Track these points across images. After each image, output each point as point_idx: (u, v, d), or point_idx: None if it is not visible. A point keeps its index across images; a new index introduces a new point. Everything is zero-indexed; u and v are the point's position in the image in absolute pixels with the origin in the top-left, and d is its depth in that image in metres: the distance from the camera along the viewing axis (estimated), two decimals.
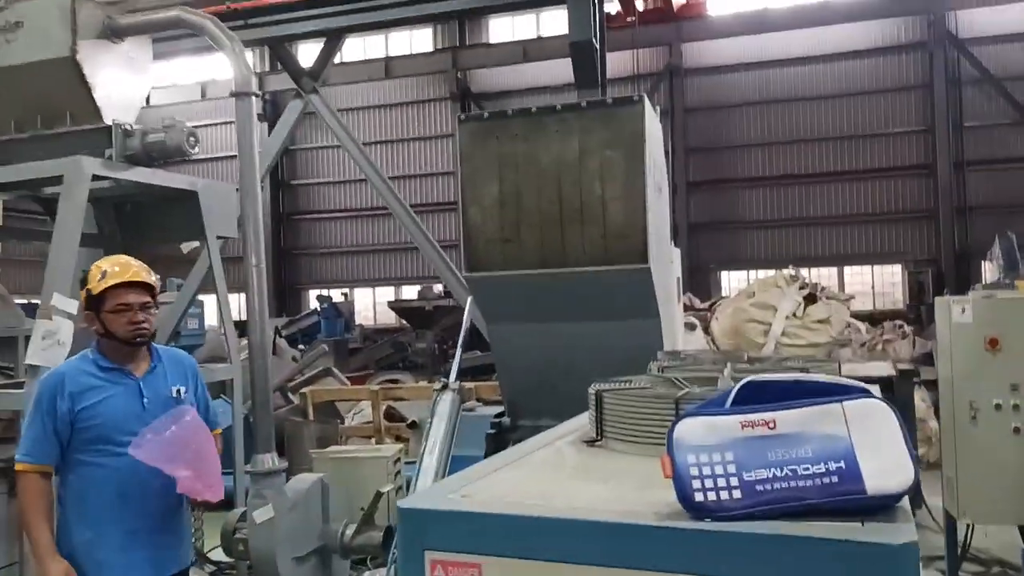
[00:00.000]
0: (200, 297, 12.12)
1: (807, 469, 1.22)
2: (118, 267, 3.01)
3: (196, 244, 6.17)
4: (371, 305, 25.33)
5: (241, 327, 5.71)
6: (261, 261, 4.83)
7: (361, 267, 25.51)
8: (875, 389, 1.37)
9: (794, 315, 8.16)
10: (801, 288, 8.39)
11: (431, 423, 4.21)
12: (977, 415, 4.32)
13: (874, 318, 15.77)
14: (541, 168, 4.24)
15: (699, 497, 1.21)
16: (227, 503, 5.53)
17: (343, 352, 15.57)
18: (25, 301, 9.26)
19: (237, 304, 11.90)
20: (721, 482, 1.22)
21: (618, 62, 18.49)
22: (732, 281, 21.42)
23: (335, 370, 10.78)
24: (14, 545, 5.16)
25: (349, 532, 4.87)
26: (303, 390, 9.09)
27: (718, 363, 2.49)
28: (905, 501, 1.24)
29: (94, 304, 2.98)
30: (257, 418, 4.72)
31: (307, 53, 14.92)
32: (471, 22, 22.96)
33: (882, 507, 1.21)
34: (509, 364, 4.77)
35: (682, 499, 1.22)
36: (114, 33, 4.97)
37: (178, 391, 3.12)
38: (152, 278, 3.08)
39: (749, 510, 1.20)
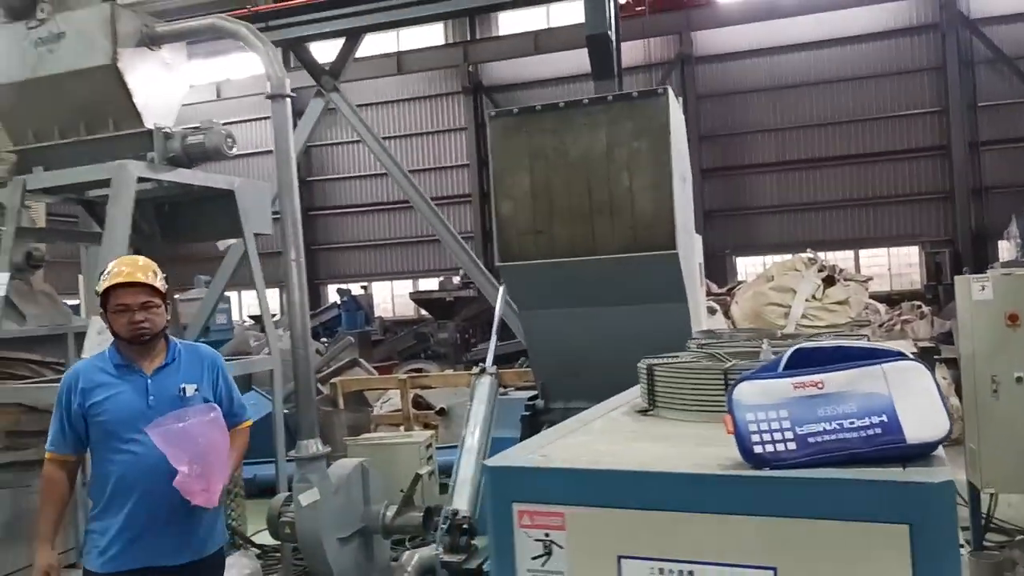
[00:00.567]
0: (226, 293, 12.37)
1: (852, 423, 1.39)
2: (120, 268, 3.05)
3: (232, 241, 6.35)
4: (389, 298, 25.58)
5: (260, 321, 5.90)
6: (300, 255, 5.02)
7: (379, 261, 25.76)
8: (909, 352, 1.53)
9: (813, 297, 8.29)
10: (820, 271, 8.51)
11: (471, 406, 4.39)
12: (998, 388, 4.46)
13: (891, 299, 15.86)
14: (570, 161, 4.40)
15: (758, 449, 1.38)
16: (270, 490, 5.77)
17: (367, 344, 15.81)
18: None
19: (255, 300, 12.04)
20: (777, 436, 1.38)
21: (630, 51, 18.53)
22: (747, 266, 21.50)
23: (362, 361, 11.01)
24: (69, 532, 5.40)
25: (390, 513, 5.07)
26: (333, 380, 9.31)
27: (752, 340, 2.65)
28: (941, 449, 1.40)
29: (102, 303, 3.06)
30: (300, 406, 4.92)
31: (319, 49, 15.10)
32: (481, 15, 23.05)
33: (920, 454, 1.37)
34: (541, 349, 4.94)
35: (743, 451, 1.39)
36: (152, 41, 5.15)
37: (183, 389, 3.09)
38: (156, 279, 3.06)
39: (803, 459, 1.37)
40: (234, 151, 5.22)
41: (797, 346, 1.50)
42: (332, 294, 23.14)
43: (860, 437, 1.38)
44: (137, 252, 6.12)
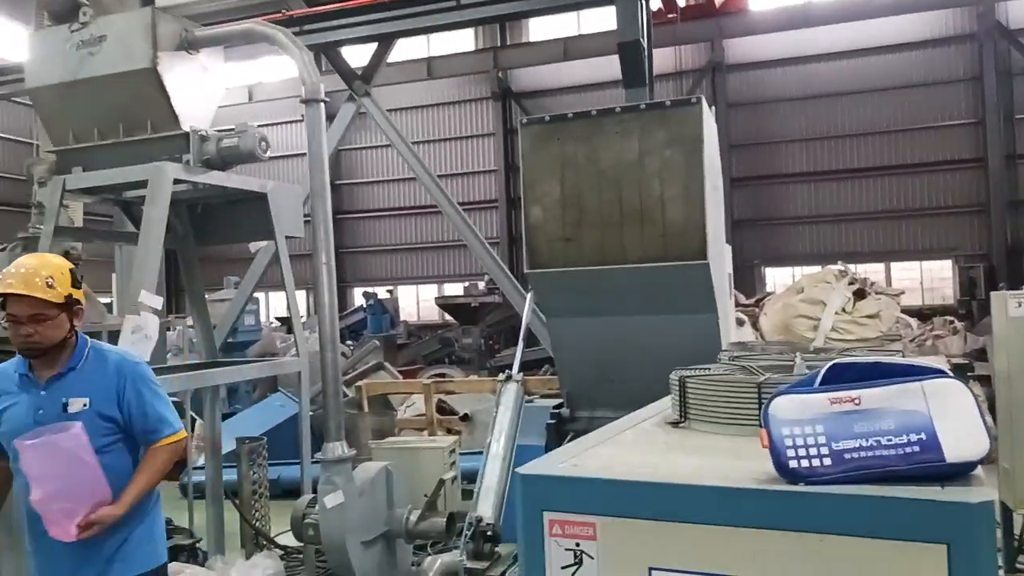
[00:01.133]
0: (255, 295, 12.52)
1: (890, 440, 1.37)
2: (7, 277, 2.75)
3: (264, 244, 6.43)
4: (415, 302, 25.70)
5: (286, 323, 5.95)
6: (331, 259, 5.07)
7: (404, 265, 25.90)
8: (947, 369, 1.51)
9: (843, 310, 8.17)
10: (850, 283, 8.40)
11: (497, 412, 4.40)
12: None
13: (923, 314, 15.62)
14: (601, 169, 4.40)
15: (793, 464, 1.37)
16: (294, 491, 5.82)
17: (391, 348, 15.89)
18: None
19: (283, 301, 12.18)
20: (813, 451, 1.37)
21: (660, 59, 18.47)
22: (777, 277, 21.30)
23: (387, 364, 11.07)
24: None
25: (413, 517, 5.09)
26: (358, 383, 9.37)
27: (785, 353, 2.62)
28: (980, 469, 1.38)
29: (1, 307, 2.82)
30: (327, 408, 4.95)
31: (351, 54, 15.25)
32: (512, 21, 23.12)
33: (959, 473, 1.35)
34: (568, 357, 4.94)
35: (778, 466, 1.38)
36: (190, 45, 5.23)
37: (68, 403, 2.82)
38: (51, 289, 2.74)
39: (838, 475, 1.35)
40: (268, 154, 5.28)
41: (834, 361, 1.49)
42: (358, 297, 23.30)
43: (898, 455, 1.36)
44: (171, 252, 6.30)
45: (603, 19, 17.55)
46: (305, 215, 5.83)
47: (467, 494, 5.68)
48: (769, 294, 13.15)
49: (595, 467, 1.56)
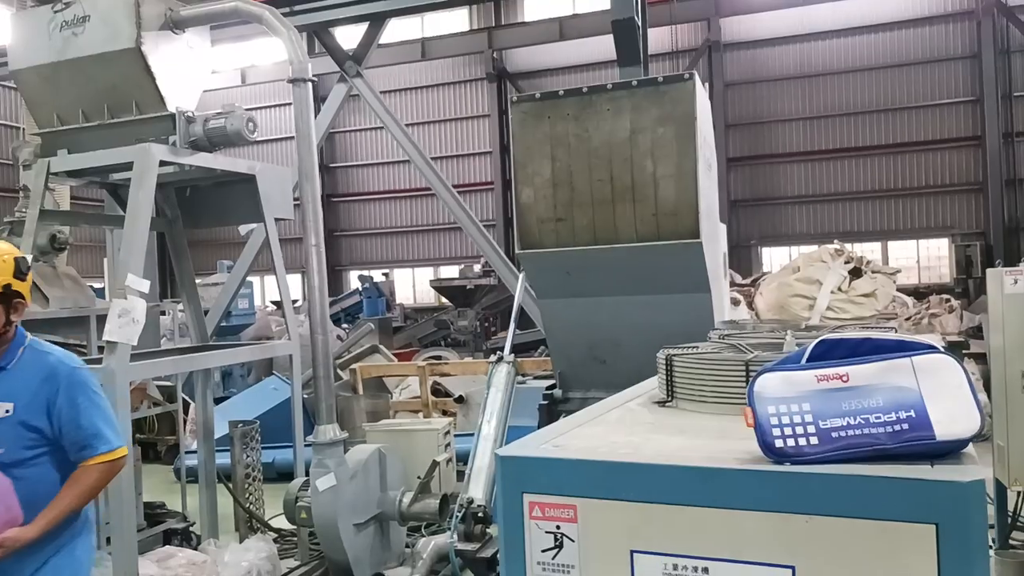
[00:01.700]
0: (249, 279, 12.46)
1: (879, 418, 1.33)
2: None
3: (254, 226, 6.37)
4: (411, 285, 25.66)
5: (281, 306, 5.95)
6: (320, 241, 5.03)
7: (400, 247, 25.83)
8: (939, 345, 1.47)
9: (839, 289, 8.15)
10: (847, 262, 8.36)
11: (488, 394, 4.37)
12: None
13: (919, 292, 15.61)
14: (593, 147, 4.33)
15: (779, 443, 1.33)
16: (288, 474, 5.80)
17: (387, 330, 15.86)
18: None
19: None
20: (799, 430, 1.33)
21: (656, 38, 18.36)
22: (774, 257, 21.26)
23: (382, 347, 11.04)
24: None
25: (406, 500, 5.08)
26: (352, 366, 9.34)
27: (776, 331, 2.58)
28: (971, 446, 1.34)
29: None
30: (319, 391, 4.92)
31: (344, 35, 15.09)
32: (506, 1, 22.92)
33: (950, 451, 1.31)
34: (560, 338, 4.90)
35: (763, 445, 1.34)
36: (175, 24, 5.14)
37: None
38: None
39: (825, 455, 1.31)
40: (255, 135, 5.20)
41: (821, 337, 1.45)
42: (354, 280, 23.25)
43: (886, 432, 1.32)
44: (160, 236, 6.23)
45: None
46: (296, 197, 5.77)
47: (462, 476, 5.66)
48: (765, 274, 13.12)
49: (577, 448, 1.52)
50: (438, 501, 5.05)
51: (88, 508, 2.78)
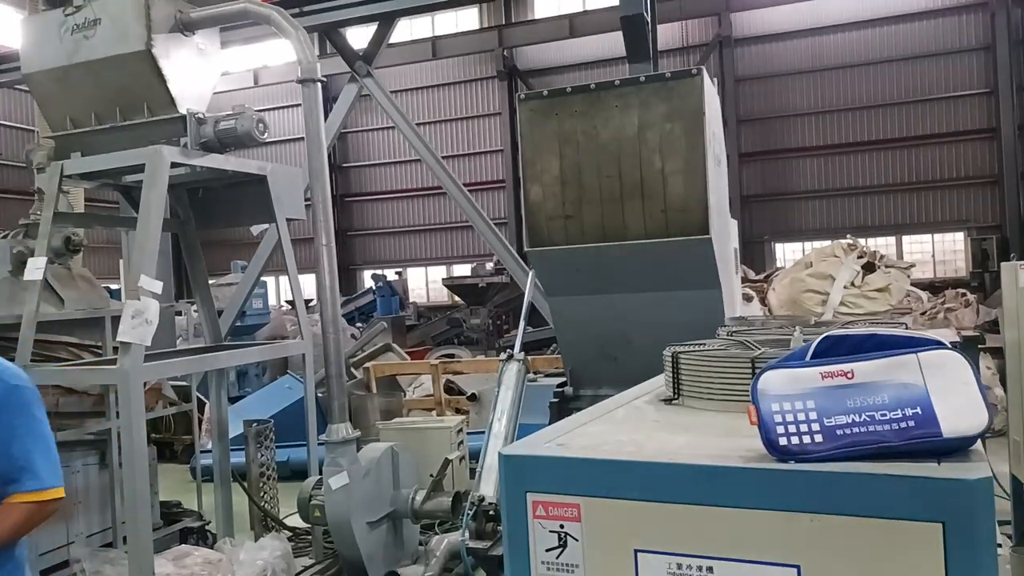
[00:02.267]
0: (264, 279, 12.52)
1: (884, 415, 1.31)
2: None
3: (266, 227, 6.40)
4: (424, 283, 25.72)
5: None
6: (331, 240, 5.05)
7: (413, 246, 25.89)
8: (947, 341, 1.45)
9: (852, 284, 8.08)
10: (860, 257, 8.30)
11: (498, 392, 4.37)
12: None
13: (935, 287, 15.46)
14: (601, 144, 4.32)
15: (783, 441, 1.32)
16: (302, 472, 5.83)
17: (400, 329, 15.91)
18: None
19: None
20: (803, 427, 1.32)
21: (666, 34, 18.31)
22: (786, 252, 21.14)
23: (395, 346, 11.07)
24: (107, 511, 5.53)
25: (419, 498, 5.10)
26: (366, 365, 9.38)
27: (785, 327, 2.57)
28: (979, 444, 1.33)
29: None
30: (331, 390, 4.95)
31: (354, 35, 15.12)
32: None
33: (957, 449, 1.30)
34: (570, 336, 4.89)
35: (767, 443, 1.33)
36: (185, 27, 5.17)
37: None
38: None
39: (830, 452, 1.30)
40: (266, 136, 5.22)
41: (826, 333, 1.44)
42: (367, 279, 23.34)
43: (892, 430, 1.30)
44: (175, 237, 6.25)
45: None
46: (307, 197, 5.79)
47: (475, 473, 5.67)
48: (778, 269, 13.04)
49: (581, 446, 1.52)
50: (451, 499, 5.06)
51: (19, 546, 2.41)
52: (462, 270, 22.45)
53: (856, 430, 1.31)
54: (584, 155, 4.37)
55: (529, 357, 8.47)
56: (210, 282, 6.53)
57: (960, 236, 20.08)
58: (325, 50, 21.28)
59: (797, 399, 1.34)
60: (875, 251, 8.98)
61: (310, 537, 5.75)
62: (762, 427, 1.34)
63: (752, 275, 12.31)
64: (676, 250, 4.20)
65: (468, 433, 7.18)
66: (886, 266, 8.56)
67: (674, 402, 1.97)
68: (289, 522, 6.26)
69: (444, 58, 23.44)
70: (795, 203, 21.40)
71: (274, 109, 24.14)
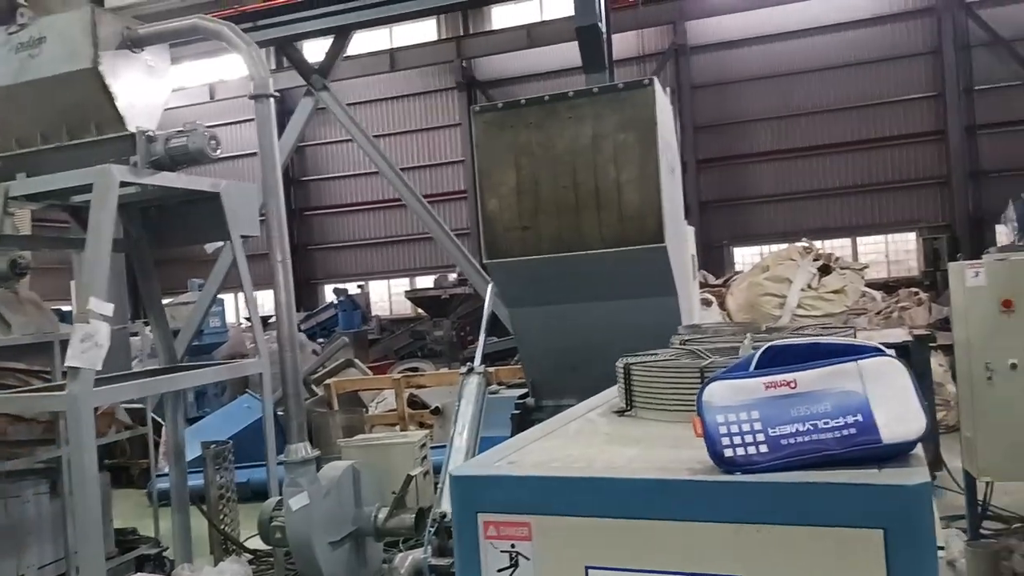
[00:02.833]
0: (223, 296, 12.33)
1: (827, 423, 1.33)
2: None
3: (220, 244, 6.30)
4: (386, 296, 25.55)
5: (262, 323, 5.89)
6: (286, 256, 4.99)
7: (374, 259, 25.71)
8: (887, 348, 1.48)
9: (809, 287, 8.23)
10: (815, 260, 8.46)
11: (459, 405, 4.34)
12: (993, 375, 4.40)
13: (889, 286, 15.80)
14: (556, 155, 4.34)
15: (728, 453, 1.33)
16: (263, 493, 5.74)
17: (363, 343, 15.76)
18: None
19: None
20: (748, 438, 1.33)
21: (623, 43, 18.48)
22: (745, 257, 21.44)
23: (357, 361, 10.97)
24: (59, 541, 5.38)
25: (382, 515, 5.04)
26: (327, 381, 9.27)
27: (737, 334, 2.59)
28: (919, 448, 1.35)
29: None
30: (289, 409, 4.88)
31: (311, 48, 15.00)
32: (474, 10, 22.96)
33: (897, 454, 1.32)
34: (531, 347, 4.89)
35: (713, 455, 1.34)
36: (133, 43, 5.09)
37: None
38: None
39: (775, 463, 1.31)
40: (219, 152, 5.15)
41: (768, 344, 1.45)
42: (329, 294, 23.11)
43: (835, 438, 1.32)
44: (127, 257, 6.12)
45: (566, 5, 17.46)
46: (262, 213, 5.72)
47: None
48: (737, 274, 13.22)
49: (531, 463, 1.51)
50: (414, 516, 5.01)
51: None
52: (425, 281, 22.36)
53: (800, 439, 1.33)
54: (540, 166, 4.39)
55: (493, 368, 8.47)
56: (166, 301, 6.42)
57: (912, 236, 20.55)
58: (281, 63, 21.13)
59: (742, 410, 1.35)
60: (831, 253, 9.16)
61: (271, 559, 5.66)
62: (708, 439, 1.35)
63: (712, 280, 12.46)
64: (632, 259, 4.22)
65: (432, 447, 7.12)
66: (841, 268, 8.73)
67: (627, 413, 1.98)
68: (250, 544, 6.15)
69: (402, 70, 23.38)
70: (752, 207, 21.73)
71: (232, 124, 23.81)
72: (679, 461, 1.42)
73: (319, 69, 10.60)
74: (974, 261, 4.81)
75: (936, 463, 5.39)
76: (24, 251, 5.76)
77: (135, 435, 6.37)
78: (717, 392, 1.38)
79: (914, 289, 12.47)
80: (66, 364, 4.31)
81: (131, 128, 4.92)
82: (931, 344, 6.92)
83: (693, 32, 21.78)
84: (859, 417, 1.33)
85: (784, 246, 10.92)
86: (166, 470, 6.88)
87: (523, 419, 4.66)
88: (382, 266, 25.61)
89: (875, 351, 1.41)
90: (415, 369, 12.05)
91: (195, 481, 6.01)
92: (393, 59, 22.89)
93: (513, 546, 1.40)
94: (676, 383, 1.84)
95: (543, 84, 21.87)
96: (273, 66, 23.90)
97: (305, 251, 25.92)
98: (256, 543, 5.83)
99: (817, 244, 9.66)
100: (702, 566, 1.28)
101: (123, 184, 4.79)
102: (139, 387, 5.10)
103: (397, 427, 8.55)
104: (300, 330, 14.42)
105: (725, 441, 1.33)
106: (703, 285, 9.92)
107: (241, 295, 23.70)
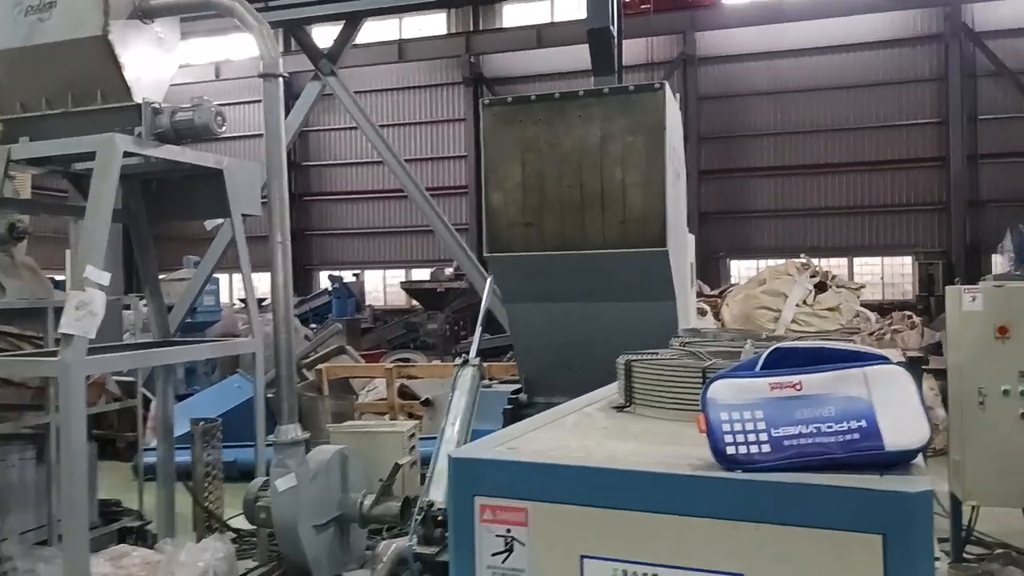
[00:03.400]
0: (218, 276, 12.29)
1: (831, 427, 1.33)
2: None
3: (220, 222, 6.28)
4: (381, 286, 25.51)
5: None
6: (286, 238, 4.97)
7: (372, 248, 25.67)
8: (893, 357, 1.48)
9: (804, 303, 8.25)
10: (812, 276, 8.48)
11: (452, 396, 4.34)
12: (985, 400, 4.43)
13: (883, 308, 15.86)
14: (563, 153, 4.34)
15: (731, 450, 1.33)
16: (250, 473, 5.72)
17: (355, 331, 15.73)
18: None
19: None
20: (751, 437, 1.33)
21: (632, 49, 18.48)
22: (741, 270, 21.49)
23: (349, 348, 10.95)
24: (43, 508, 5.35)
25: (368, 502, 5.03)
26: (318, 367, 9.25)
27: (736, 340, 2.60)
28: (920, 457, 1.35)
29: None
30: (281, 390, 4.86)
31: (320, 34, 14.97)
32: (485, 6, 22.95)
33: (899, 462, 1.32)
34: (526, 343, 4.89)
35: (715, 452, 1.34)
36: (144, 14, 5.05)
37: None
38: None
39: (776, 463, 1.31)
40: (224, 130, 5.12)
41: (776, 345, 1.45)
42: (324, 280, 23.07)
43: (837, 442, 1.32)
44: (124, 230, 6.09)
45: (577, 7, 17.44)
46: (264, 194, 5.70)
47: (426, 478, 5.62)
48: (733, 285, 13.25)
49: (530, 451, 1.51)
50: (400, 504, 5.01)
51: None
52: (421, 274, 22.32)
53: (803, 441, 1.33)
54: (546, 163, 4.38)
55: (485, 364, 8.46)
56: (161, 277, 6.38)
57: (908, 260, 20.63)
58: (289, 47, 21.05)
59: (746, 409, 1.35)
60: (827, 271, 9.18)
61: (254, 539, 5.64)
62: (711, 436, 1.35)
63: (707, 290, 12.49)
64: (633, 261, 4.23)
65: (421, 438, 7.12)
66: (837, 286, 8.76)
67: (626, 410, 1.98)
68: (234, 523, 6.13)
69: (410, 61, 23.35)
70: (751, 221, 21.79)
71: (235, 104, 23.72)
72: (679, 457, 1.42)
73: (328, 54, 10.59)
74: (971, 286, 4.83)
75: None
76: (23, 215, 5.72)
77: (124, 407, 6.34)
78: (722, 390, 1.38)
79: (908, 312, 12.53)
80: (60, 330, 4.29)
81: (137, 99, 4.88)
82: (923, 367, 6.95)
83: (703, 43, 21.82)
84: (863, 423, 1.33)
85: (781, 261, 10.95)
86: (152, 444, 6.86)
87: (515, 414, 4.66)
88: (378, 256, 25.58)
89: (881, 359, 1.42)
90: (406, 360, 12.03)
91: (182, 458, 5.98)
92: (402, 50, 22.86)
93: (509, 531, 1.39)
94: (677, 382, 1.85)
95: (550, 85, 21.87)
96: (281, 48, 23.83)
97: (302, 236, 25.85)
98: (240, 522, 5.81)
99: (814, 262, 9.68)
100: (699, 561, 1.28)
101: (126, 154, 4.76)
102: (132, 358, 5.08)
103: (386, 416, 8.54)
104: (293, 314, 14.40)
105: (728, 439, 1.33)
106: (698, 295, 9.94)
107: (235, 276, 23.69)
